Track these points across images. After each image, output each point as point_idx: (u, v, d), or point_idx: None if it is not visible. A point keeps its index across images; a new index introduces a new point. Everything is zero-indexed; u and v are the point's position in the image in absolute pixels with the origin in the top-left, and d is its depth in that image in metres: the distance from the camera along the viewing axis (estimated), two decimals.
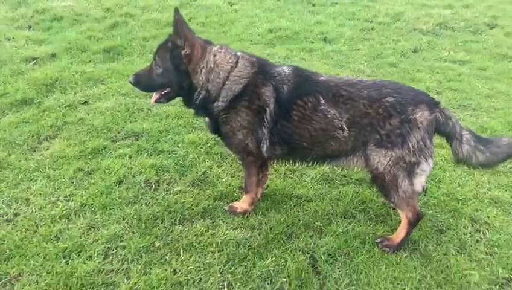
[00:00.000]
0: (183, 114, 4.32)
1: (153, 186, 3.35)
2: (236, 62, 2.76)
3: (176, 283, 2.53)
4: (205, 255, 2.74)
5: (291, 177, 3.48)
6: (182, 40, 2.64)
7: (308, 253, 2.77)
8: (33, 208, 3.05)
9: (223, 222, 3.02)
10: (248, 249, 2.78)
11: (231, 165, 3.63)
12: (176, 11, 2.64)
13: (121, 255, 2.72)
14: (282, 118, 2.69)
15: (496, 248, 2.86)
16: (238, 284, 2.54)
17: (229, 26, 7.26)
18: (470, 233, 2.99)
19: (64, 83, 4.83)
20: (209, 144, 3.85)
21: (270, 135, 2.76)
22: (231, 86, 2.72)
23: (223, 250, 2.78)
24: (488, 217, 3.13)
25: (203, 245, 2.81)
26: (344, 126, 2.61)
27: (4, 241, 2.76)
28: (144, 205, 3.13)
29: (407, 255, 2.79)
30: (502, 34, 7.23)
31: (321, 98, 2.62)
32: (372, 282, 2.59)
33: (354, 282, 2.60)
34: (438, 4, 8.89)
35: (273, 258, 2.71)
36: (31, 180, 3.35)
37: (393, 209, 3.13)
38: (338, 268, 2.69)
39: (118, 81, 4.98)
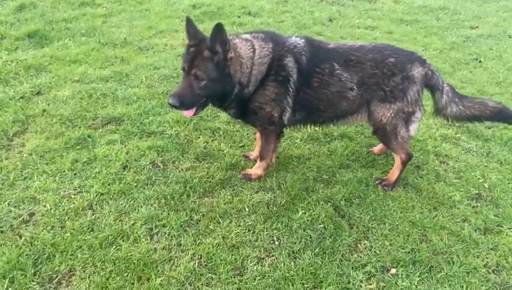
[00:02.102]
0: (153, 95, 4.28)
1: (161, 166, 3.37)
2: (253, 46, 2.87)
3: (230, 246, 2.71)
4: (243, 218, 2.94)
5: (284, 141, 3.78)
6: (220, 46, 2.61)
7: (329, 202, 3.15)
8: (47, 205, 2.88)
9: (243, 188, 3.23)
10: (278, 207, 3.05)
11: (224, 138, 3.79)
12: (188, 19, 2.73)
13: (165, 233, 2.77)
14: (304, 86, 2.94)
15: (461, 173, 3.59)
16: (286, 237, 2.82)
17: (148, 4, 7.07)
18: (439, 165, 3.68)
19: (2, 74, 4.34)
20: (194, 121, 3.93)
21: (293, 103, 2.99)
22: (258, 69, 2.84)
23: (256, 211, 3.01)
24: (445, 150, 3.86)
25: (237, 210, 3.00)
26: (354, 87, 2.96)
27: (36, 241, 2.60)
28: (162, 185, 3.16)
29: (403, 189, 3.36)
30: (391, 2, 8.31)
31: (335, 64, 2.93)
32: (387, 214, 3.09)
33: (373, 217, 3.06)
34: None
35: (303, 211, 3.03)
36: (26, 178, 3.11)
37: (379, 154, 3.69)
38: (357, 209, 3.12)
39: (63, 67, 4.65)
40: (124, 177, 3.19)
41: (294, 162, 3.56)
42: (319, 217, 2.99)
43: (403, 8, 7.79)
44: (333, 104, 3.05)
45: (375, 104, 3.05)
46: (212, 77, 2.67)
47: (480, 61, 5.77)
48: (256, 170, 3.32)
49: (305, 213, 3.01)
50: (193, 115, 2.84)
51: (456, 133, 4.10)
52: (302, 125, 3.30)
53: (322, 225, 2.94)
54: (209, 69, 2.64)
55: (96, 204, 2.94)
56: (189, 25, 2.73)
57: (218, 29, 2.57)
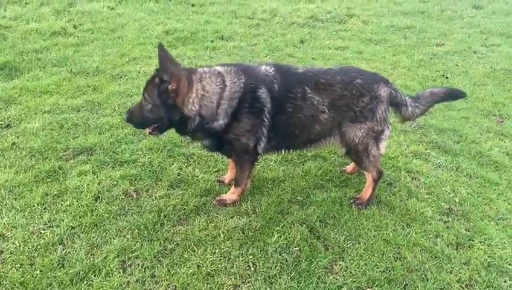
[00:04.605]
0: (126, 123, 4.24)
1: (134, 195, 3.33)
2: (223, 81, 2.89)
3: (206, 275, 2.68)
4: (218, 245, 2.92)
5: (258, 164, 3.79)
6: (167, 76, 2.68)
7: (304, 223, 3.16)
8: (16, 242, 2.81)
9: (218, 214, 3.21)
10: (254, 232, 3.04)
11: (198, 163, 3.78)
12: (161, 46, 2.70)
13: (138, 264, 2.72)
14: (278, 113, 2.97)
15: (432, 188, 3.66)
16: (262, 261, 2.81)
17: (121, 31, 7.09)
18: (410, 181, 3.74)
19: None
20: (168, 148, 3.92)
21: (268, 132, 3.01)
22: (229, 104, 2.87)
23: (231, 237, 2.99)
24: (416, 166, 3.94)
25: (212, 237, 2.97)
26: (326, 109, 3.02)
27: (4, 281, 2.53)
28: (135, 215, 3.12)
29: (376, 207, 3.40)
30: (360, 22, 8.56)
31: (306, 88, 2.99)
32: (362, 234, 3.11)
33: (348, 237, 3.08)
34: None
35: (279, 234, 3.03)
36: None
37: (351, 173, 3.74)
38: (332, 230, 3.13)
39: (33, 99, 4.59)
40: (96, 209, 3.14)
41: (269, 184, 3.57)
42: (294, 239, 3.00)
43: (371, 28, 8.02)
44: (307, 128, 3.10)
45: (347, 125, 3.11)
46: (156, 103, 2.75)
47: (447, 78, 5.96)
48: (231, 195, 3.32)
49: (281, 236, 3.01)
50: (150, 133, 2.97)
51: (426, 149, 4.19)
52: (276, 151, 3.34)
53: (297, 248, 2.94)
54: (154, 95, 2.74)
55: (67, 238, 2.87)
56: (160, 51, 2.72)
57: (162, 58, 2.64)
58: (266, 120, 2.97)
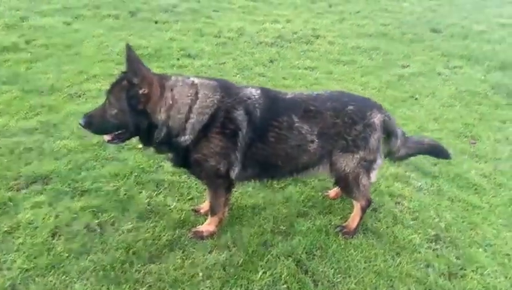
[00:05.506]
0: (86, 147, 3.85)
1: (97, 230, 2.95)
2: (196, 93, 2.64)
3: None
4: (197, 285, 2.61)
5: (236, 191, 3.51)
6: (138, 78, 2.44)
7: (290, 257, 2.90)
8: None
9: (195, 248, 2.90)
10: (236, 268, 2.75)
11: (170, 190, 3.45)
12: (128, 46, 2.44)
13: None
14: (257, 141, 2.71)
15: (416, 213, 3.52)
16: None
17: (79, 48, 6.63)
18: (394, 206, 3.59)
19: None
20: (135, 173, 3.56)
21: (243, 158, 2.75)
22: (197, 118, 2.61)
23: (212, 276, 2.69)
24: (398, 190, 3.80)
25: (190, 276, 2.66)
26: (315, 139, 2.79)
27: None
28: (99, 253, 2.75)
29: (363, 235, 3.20)
30: (327, 43, 8.55)
31: (294, 116, 2.75)
32: (351, 266, 2.90)
33: (338, 271, 2.85)
34: (265, 20, 9.90)
35: (264, 270, 2.76)
36: None
37: (334, 199, 3.54)
38: (320, 263, 2.90)
39: None
40: (53, 247, 2.74)
41: (249, 213, 3.30)
42: (281, 275, 2.74)
43: (338, 49, 8.01)
44: (292, 159, 2.86)
45: (338, 155, 2.89)
46: (123, 108, 2.49)
47: (416, 99, 5.97)
48: (208, 226, 3.01)
49: (266, 272, 2.74)
50: (108, 142, 2.67)
51: (405, 171, 4.08)
52: (256, 180, 3.08)
53: (285, 285, 2.68)
54: (121, 99, 2.49)
55: (20, 283, 2.48)
56: (128, 51, 2.44)
57: (131, 58, 2.40)
58: (240, 145, 2.70)
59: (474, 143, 4.81)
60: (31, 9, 7.92)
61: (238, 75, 6.18)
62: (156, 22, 8.63)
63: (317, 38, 8.76)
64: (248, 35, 8.29)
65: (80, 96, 4.96)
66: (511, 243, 3.32)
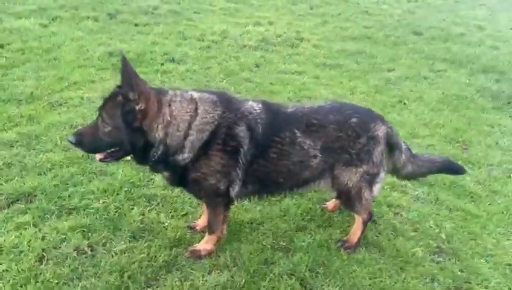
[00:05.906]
0: (72, 160, 3.64)
1: (88, 252, 2.76)
2: (196, 109, 2.49)
3: None
4: None
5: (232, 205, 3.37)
6: (135, 93, 2.28)
7: (293, 275, 2.79)
8: None
9: (193, 269, 2.75)
10: None
11: (163, 206, 3.28)
12: (124, 58, 2.28)
13: None
14: (259, 158, 2.59)
15: (416, 224, 3.46)
16: None
17: (57, 52, 6.34)
18: (393, 217, 3.52)
19: None
20: (125, 188, 3.38)
21: (244, 175, 2.62)
22: (197, 136, 2.47)
23: None
24: (396, 200, 3.74)
25: None
26: (318, 153, 2.68)
27: None
28: (91, 278, 2.57)
29: (365, 249, 3.11)
30: (311, 46, 8.48)
31: (296, 131, 2.63)
32: (356, 283, 2.80)
33: (343, 288, 2.76)
34: (248, 22, 9.77)
35: None
36: None
37: (333, 211, 3.44)
38: (324, 281, 2.79)
39: None
40: (41, 274, 2.54)
41: (247, 228, 3.16)
42: None
43: (323, 53, 7.95)
44: (294, 175, 2.74)
45: (340, 169, 2.79)
46: (117, 125, 2.34)
47: (404, 104, 5.96)
48: (206, 244, 2.86)
49: None
50: (101, 160, 2.50)
51: (402, 180, 4.01)
52: (255, 197, 2.94)
53: None
54: (116, 116, 2.33)
55: None
56: (124, 64, 2.29)
57: (127, 71, 2.25)
58: (242, 162, 2.58)
59: (466, 148, 4.81)
60: (4, 10, 7.55)
61: (224, 81, 6.03)
62: (136, 25, 8.38)
63: (302, 41, 8.69)
64: (232, 38, 8.14)
65: (61, 104, 4.71)
66: (511, 252, 3.30)
